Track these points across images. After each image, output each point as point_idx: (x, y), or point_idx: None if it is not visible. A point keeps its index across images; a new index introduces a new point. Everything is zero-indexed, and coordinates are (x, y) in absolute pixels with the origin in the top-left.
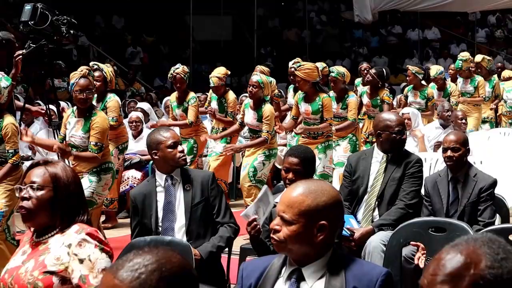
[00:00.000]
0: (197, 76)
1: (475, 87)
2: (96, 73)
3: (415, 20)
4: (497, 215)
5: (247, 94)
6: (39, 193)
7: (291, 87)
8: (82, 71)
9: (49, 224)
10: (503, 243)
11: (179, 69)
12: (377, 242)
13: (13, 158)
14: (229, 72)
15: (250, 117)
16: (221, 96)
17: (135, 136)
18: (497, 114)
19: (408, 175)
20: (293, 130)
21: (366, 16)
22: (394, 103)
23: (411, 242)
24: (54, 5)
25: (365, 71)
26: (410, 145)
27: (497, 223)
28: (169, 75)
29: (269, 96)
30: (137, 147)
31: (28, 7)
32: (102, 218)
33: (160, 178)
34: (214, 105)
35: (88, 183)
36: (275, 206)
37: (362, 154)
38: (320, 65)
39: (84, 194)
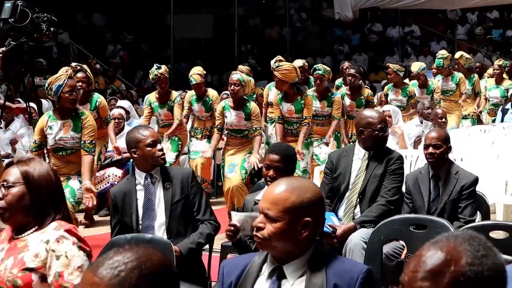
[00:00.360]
0: (177, 75)
1: (456, 83)
2: (80, 74)
3: (395, 17)
4: (478, 212)
5: (228, 92)
6: (11, 190)
7: (272, 85)
8: (67, 71)
9: (26, 221)
10: (483, 240)
11: (162, 69)
12: (358, 239)
13: None
14: (204, 72)
15: (234, 118)
16: (202, 94)
17: (116, 133)
18: (478, 111)
19: (390, 172)
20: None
21: (347, 14)
22: (375, 100)
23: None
24: (34, 2)
25: (347, 70)
26: (391, 143)
27: (478, 220)
28: (151, 76)
29: (254, 96)
30: (118, 144)
31: (8, 4)
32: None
33: (140, 176)
34: (197, 107)
35: (78, 184)
36: (256, 203)
37: (343, 151)
38: (300, 61)
39: (61, 190)
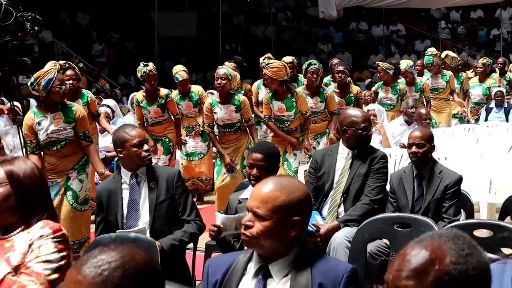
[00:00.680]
0: (161, 73)
1: (447, 81)
2: (69, 72)
3: (379, 16)
4: (462, 210)
5: (213, 91)
6: None
7: (260, 83)
8: (55, 65)
9: (12, 221)
10: (468, 238)
11: (150, 66)
12: (342, 238)
13: None
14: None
15: (224, 112)
16: (188, 92)
17: (101, 132)
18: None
19: (373, 171)
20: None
21: (331, 13)
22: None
23: None
24: (18, 1)
25: (336, 66)
26: (375, 141)
27: (462, 219)
28: (139, 74)
29: (242, 92)
30: (103, 142)
31: None
32: None
33: (126, 175)
34: (185, 104)
35: (80, 184)
36: (240, 202)
37: (328, 150)
38: (289, 58)
39: (47, 188)
